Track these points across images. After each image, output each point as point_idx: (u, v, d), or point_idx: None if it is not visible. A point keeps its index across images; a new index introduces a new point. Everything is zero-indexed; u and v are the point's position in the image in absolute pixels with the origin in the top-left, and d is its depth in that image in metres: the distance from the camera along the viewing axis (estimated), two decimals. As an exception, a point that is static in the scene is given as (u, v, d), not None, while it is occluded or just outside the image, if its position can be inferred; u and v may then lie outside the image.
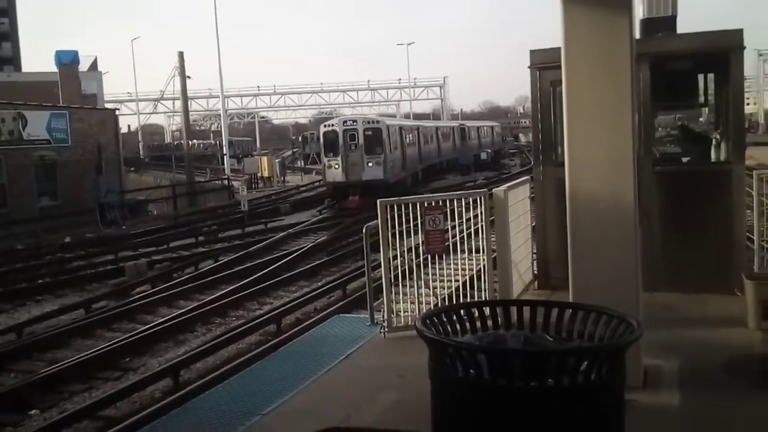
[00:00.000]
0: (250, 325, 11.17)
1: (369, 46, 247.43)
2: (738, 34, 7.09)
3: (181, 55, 39.09)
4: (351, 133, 28.55)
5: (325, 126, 29.91)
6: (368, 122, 29.57)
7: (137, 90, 69.69)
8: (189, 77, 39.69)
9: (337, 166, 28.23)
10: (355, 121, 29.55)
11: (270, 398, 5.26)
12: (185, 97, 40.02)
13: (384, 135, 28.80)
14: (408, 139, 34.46)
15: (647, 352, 4.89)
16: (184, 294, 13.96)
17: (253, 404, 5.19)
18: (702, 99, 8.60)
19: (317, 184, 35.20)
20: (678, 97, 8.56)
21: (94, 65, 58.88)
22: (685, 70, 7.96)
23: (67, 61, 44.04)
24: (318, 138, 29.71)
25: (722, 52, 7.20)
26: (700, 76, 8.32)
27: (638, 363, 4.74)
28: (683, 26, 8.01)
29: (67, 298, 14.60)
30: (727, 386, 5.02)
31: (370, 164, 28.32)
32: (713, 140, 7.89)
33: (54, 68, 44.54)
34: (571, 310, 3.24)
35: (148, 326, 11.53)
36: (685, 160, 8.44)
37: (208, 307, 12.50)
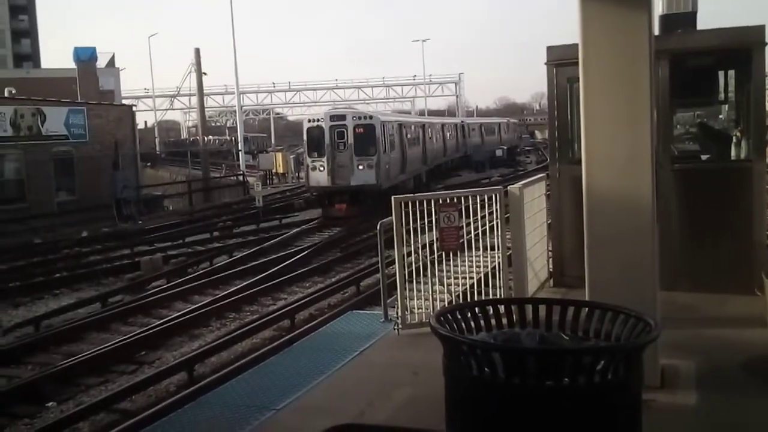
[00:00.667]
0: (264, 320, 11.22)
1: (383, 43, 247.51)
2: (760, 30, 6.98)
3: (197, 51, 39.27)
4: (339, 130, 24.28)
5: (309, 121, 25.56)
6: (359, 117, 25.06)
7: (154, 86, 70.18)
8: (205, 74, 39.89)
9: (322, 168, 24.14)
10: (344, 116, 25.00)
11: (284, 393, 5.27)
12: (201, 94, 40.21)
13: (378, 132, 24.64)
14: (409, 137, 30.36)
15: (665, 352, 4.83)
16: (199, 289, 14.04)
17: (267, 399, 5.20)
18: (722, 96, 8.49)
19: (303, 188, 31.76)
20: (698, 94, 8.46)
21: (111, 62, 59.33)
22: (705, 67, 7.85)
23: (85, 57, 44.45)
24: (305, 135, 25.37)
25: (743, 48, 7.09)
26: (721, 73, 8.21)
27: (656, 363, 4.69)
28: (703, 22, 7.91)
29: (83, 292, 14.74)
30: (745, 387, 4.95)
31: (360, 167, 24.10)
32: (733, 138, 7.79)
33: (72, 65, 44.98)
34: (587, 309, 3.20)
35: (163, 320, 11.61)
36: (704, 157, 8.33)
37: (223, 303, 12.57)
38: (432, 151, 35.82)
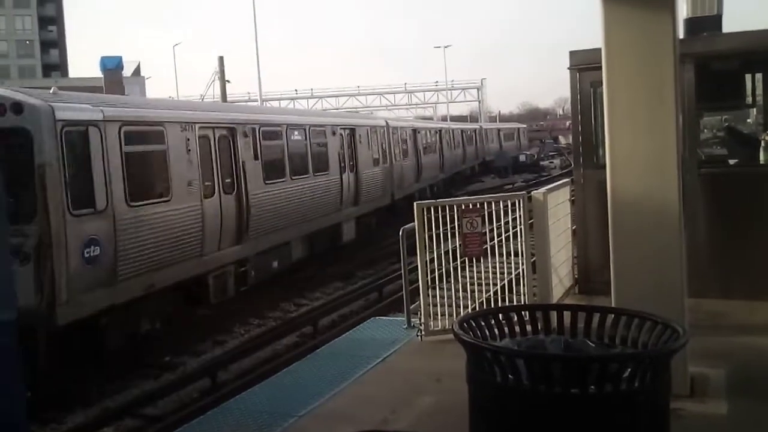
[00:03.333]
0: (286, 326, 11.24)
1: (405, 49, 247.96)
2: (787, 32, 6.88)
3: (221, 59, 39.68)
4: None
5: None
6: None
7: (179, 94, 71.00)
8: (229, 81, 40.28)
9: None
10: None
11: (306, 400, 5.27)
12: (225, 101, 40.59)
13: (44, 154, 7.88)
14: (288, 159, 14.39)
15: (694, 360, 4.74)
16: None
17: (289, 406, 5.20)
18: (749, 99, 8.37)
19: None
20: (724, 98, 8.34)
21: (137, 70, 60.35)
22: (731, 70, 7.74)
23: (112, 66, 45.28)
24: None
25: (771, 50, 6.98)
26: (748, 76, 8.09)
27: (684, 371, 4.61)
28: (728, 25, 7.81)
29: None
30: (777, 396, 4.84)
31: None
32: (762, 142, 7.65)
33: (99, 74, 45.79)
34: (613, 316, 3.16)
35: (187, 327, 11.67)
36: (732, 162, 8.20)
37: (245, 308, 12.61)
38: (369, 183, 19.23)
